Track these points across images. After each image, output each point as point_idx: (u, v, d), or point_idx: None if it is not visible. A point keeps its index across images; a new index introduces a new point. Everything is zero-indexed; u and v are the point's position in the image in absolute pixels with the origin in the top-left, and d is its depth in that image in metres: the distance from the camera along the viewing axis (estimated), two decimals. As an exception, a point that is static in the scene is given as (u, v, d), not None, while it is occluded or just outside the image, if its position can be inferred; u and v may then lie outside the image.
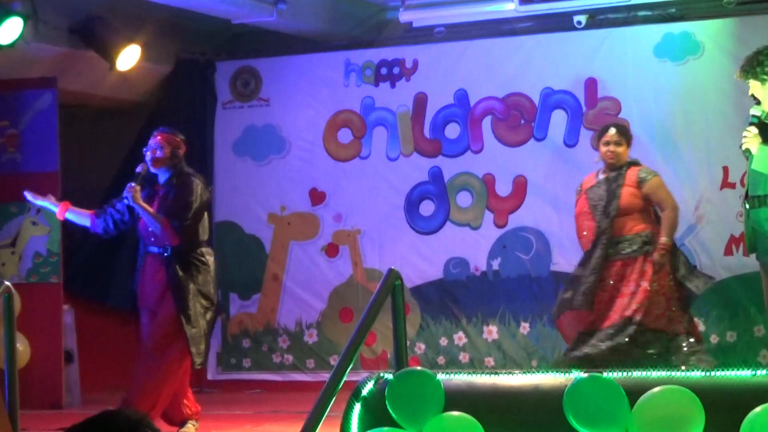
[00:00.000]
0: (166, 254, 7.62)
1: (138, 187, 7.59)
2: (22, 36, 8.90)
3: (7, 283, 6.70)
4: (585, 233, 8.00)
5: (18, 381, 6.75)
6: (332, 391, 5.29)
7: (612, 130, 8.03)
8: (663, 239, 7.90)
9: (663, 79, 9.56)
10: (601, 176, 8.05)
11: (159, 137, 7.75)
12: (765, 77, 7.12)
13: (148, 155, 7.69)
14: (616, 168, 7.99)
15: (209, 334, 7.79)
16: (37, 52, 9.46)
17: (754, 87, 7.22)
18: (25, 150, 9.68)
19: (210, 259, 7.79)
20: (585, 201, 8.03)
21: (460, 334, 10.06)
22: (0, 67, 9.42)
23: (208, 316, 7.73)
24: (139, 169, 7.69)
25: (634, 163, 8.08)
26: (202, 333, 7.63)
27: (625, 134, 8.07)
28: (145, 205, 7.56)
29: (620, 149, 7.99)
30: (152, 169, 7.70)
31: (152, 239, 7.67)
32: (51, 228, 9.45)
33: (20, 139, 9.68)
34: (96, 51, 9.65)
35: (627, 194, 7.92)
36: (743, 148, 7.22)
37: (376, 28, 10.45)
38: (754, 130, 7.18)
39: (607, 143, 7.98)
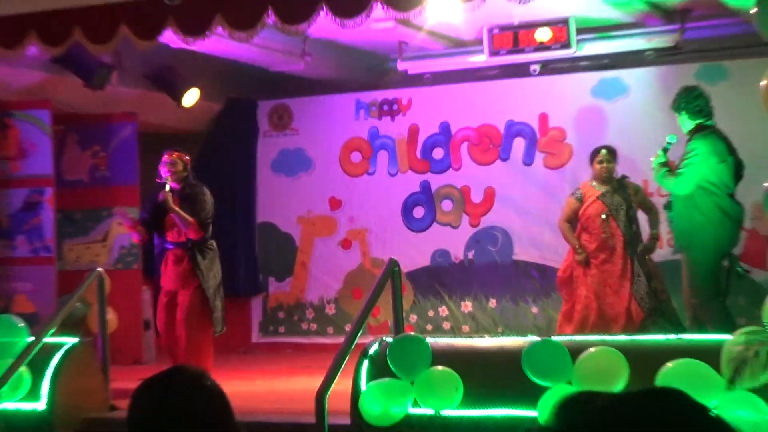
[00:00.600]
0: (188, 246, 7.50)
1: (170, 194, 7.48)
2: (110, 81, 8.94)
3: (99, 269, 6.75)
4: (604, 230, 7.68)
5: (109, 343, 6.80)
6: (347, 350, 5.31)
7: (603, 151, 7.82)
8: (655, 231, 7.80)
9: (598, 113, 9.55)
10: (601, 186, 7.78)
11: (174, 155, 7.57)
12: (680, 111, 7.11)
13: (167, 169, 7.51)
14: (610, 181, 7.78)
15: (222, 306, 7.61)
16: (121, 94, 9.48)
17: (678, 119, 7.21)
18: (112, 168, 9.70)
19: (215, 247, 7.67)
20: (602, 205, 7.71)
21: (444, 307, 10.06)
22: (93, 104, 9.44)
23: (221, 292, 7.60)
24: (162, 180, 7.51)
25: (626, 176, 7.91)
26: (218, 309, 7.55)
27: (614, 153, 7.86)
28: (177, 209, 7.47)
29: (612, 165, 7.79)
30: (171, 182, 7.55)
31: (174, 236, 7.53)
32: (132, 227, 9.46)
33: (109, 160, 9.69)
34: (166, 92, 9.67)
35: (635, 202, 7.79)
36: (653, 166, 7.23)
37: (379, 74, 10.46)
38: (659, 152, 7.18)
39: (601, 161, 7.77)
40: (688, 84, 7.76)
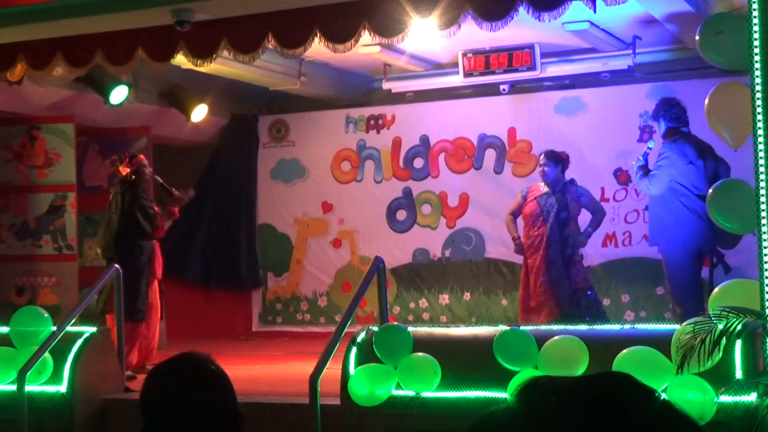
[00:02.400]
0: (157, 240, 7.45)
1: None
2: (127, 98, 8.91)
3: (116, 265, 6.70)
4: (534, 228, 7.53)
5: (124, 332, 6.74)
6: (337, 338, 5.30)
7: (541, 155, 7.67)
8: (589, 230, 7.61)
9: (560, 127, 9.55)
10: (545, 188, 7.59)
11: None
12: (659, 118, 7.01)
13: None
14: (554, 183, 7.55)
15: None
16: (137, 109, 9.44)
17: (658, 126, 7.12)
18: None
19: None
20: (536, 205, 7.54)
21: (423, 300, 10.05)
22: (112, 119, 9.41)
23: None
24: (159, 181, 7.50)
25: (573, 182, 7.68)
26: None
27: (552, 158, 7.58)
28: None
29: (546, 168, 7.54)
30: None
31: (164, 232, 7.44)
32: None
33: (126, 168, 9.65)
34: (177, 109, 9.64)
35: (573, 206, 7.56)
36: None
37: (367, 93, 10.45)
38: (639, 157, 7.05)
39: (540, 165, 7.61)
40: (641, 101, 7.73)
